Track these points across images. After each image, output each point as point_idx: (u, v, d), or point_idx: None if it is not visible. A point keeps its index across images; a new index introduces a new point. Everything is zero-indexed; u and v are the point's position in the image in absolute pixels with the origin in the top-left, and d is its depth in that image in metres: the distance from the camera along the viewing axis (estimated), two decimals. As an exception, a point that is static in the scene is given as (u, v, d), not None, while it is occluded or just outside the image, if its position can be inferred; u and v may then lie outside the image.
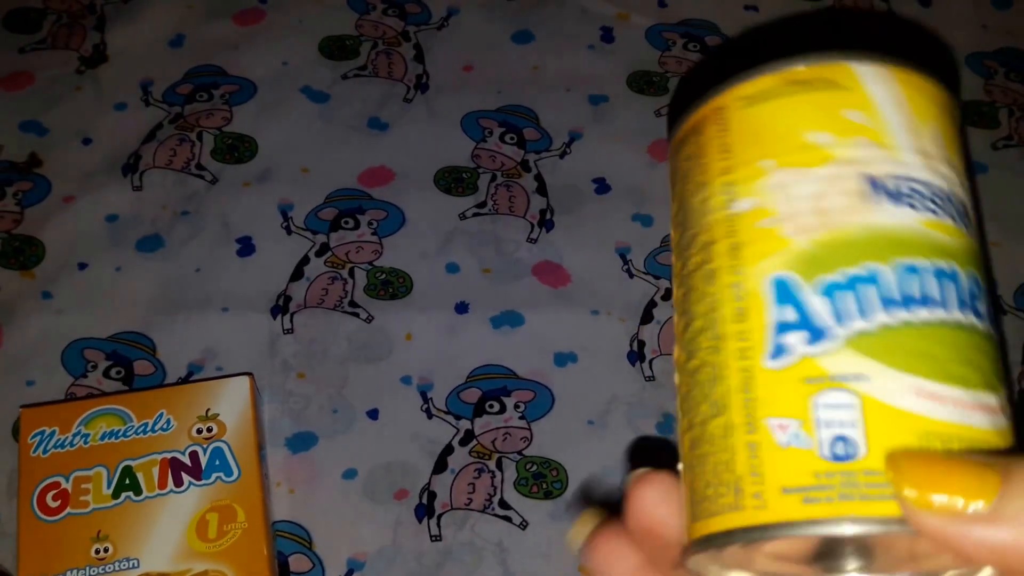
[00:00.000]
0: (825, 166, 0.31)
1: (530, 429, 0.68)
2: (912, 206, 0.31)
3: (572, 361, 0.70)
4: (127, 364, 0.69)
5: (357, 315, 0.72)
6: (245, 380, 0.64)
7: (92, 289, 0.72)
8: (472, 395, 0.69)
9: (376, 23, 0.86)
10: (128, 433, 0.61)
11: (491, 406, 0.68)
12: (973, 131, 0.82)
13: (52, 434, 0.61)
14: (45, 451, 0.60)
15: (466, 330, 0.71)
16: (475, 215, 0.76)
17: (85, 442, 0.60)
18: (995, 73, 0.86)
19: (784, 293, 0.30)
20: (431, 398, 0.69)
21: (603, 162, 0.79)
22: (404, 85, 0.83)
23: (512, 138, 0.80)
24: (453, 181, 0.78)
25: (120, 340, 0.70)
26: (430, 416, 0.68)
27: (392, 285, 0.73)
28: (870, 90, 0.32)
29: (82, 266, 0.73)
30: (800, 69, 0.32)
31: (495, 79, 0.83)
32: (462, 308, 0.72)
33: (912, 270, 0.30)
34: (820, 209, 0.31)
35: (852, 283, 0.30)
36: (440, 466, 0.66)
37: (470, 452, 0.67)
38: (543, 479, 0.66)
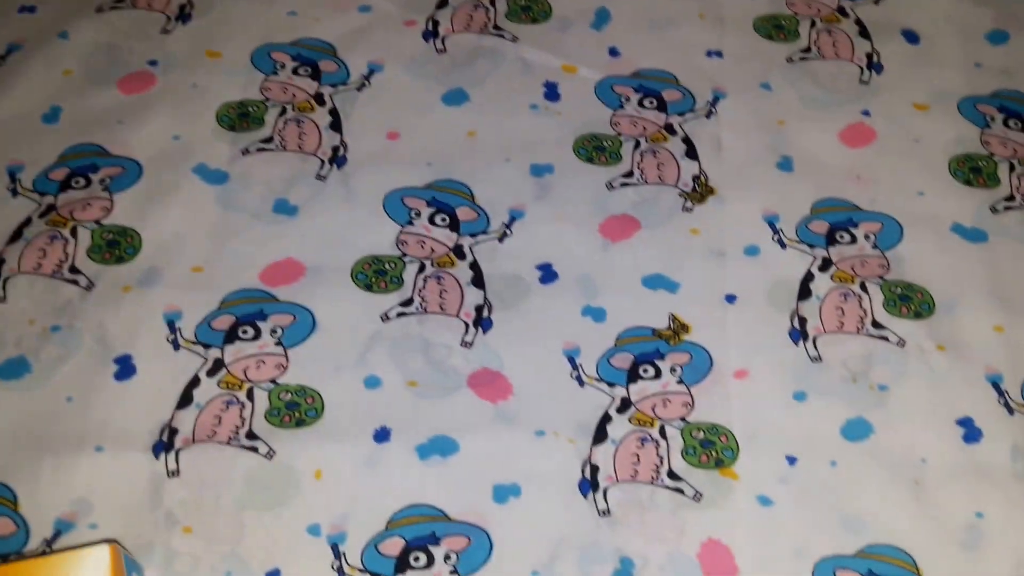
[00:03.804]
0: None
1: (464, 585, 0.64)
2: None
3: (514, 495, 0.67)
4: (-18, 523, 0.65)
5: (256, 449, 0.68)
6: (104, 551, 0.59)
7: (-58, 429, 0.68)
8: (394, 546, 0.65)
9: (284, 85, 0.83)
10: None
11: (416, 559, 0.64)
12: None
13: None
14: None
15: (387, 463, 0.68)
16: (400, 315, 0.73)
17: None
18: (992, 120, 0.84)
19: None
20: (343, 553, 0.65)
21: (549, 245, 0.77)
22: (317, 159, 0.80)
23: (444, 219, 0.77)
24: (374, 274, 0.75)
25: (-26, 493, 0.66)
26: (343, 576, 0.65)
27: (299, 408, 0.69)
28: None
29: (-70, 400, 0.69)
30: None
31: (424, 149, 0.81)
32: (382, 435, 0.69)
33: None
34: None
35: None
36: (357, 638, 0.63)
37: (392, 619, 0.63)
38: (480, 646, 0.63)
